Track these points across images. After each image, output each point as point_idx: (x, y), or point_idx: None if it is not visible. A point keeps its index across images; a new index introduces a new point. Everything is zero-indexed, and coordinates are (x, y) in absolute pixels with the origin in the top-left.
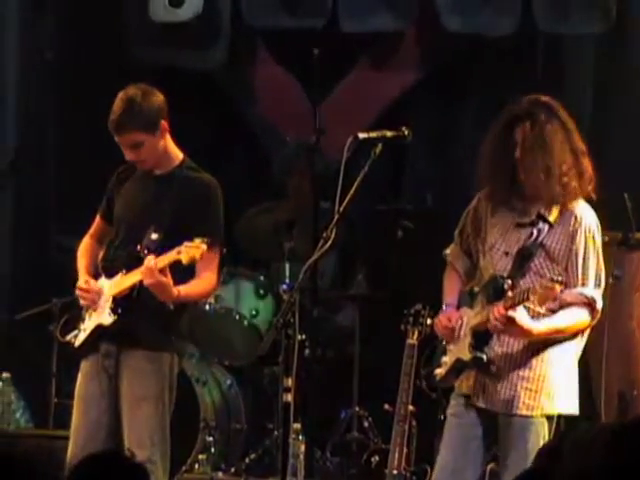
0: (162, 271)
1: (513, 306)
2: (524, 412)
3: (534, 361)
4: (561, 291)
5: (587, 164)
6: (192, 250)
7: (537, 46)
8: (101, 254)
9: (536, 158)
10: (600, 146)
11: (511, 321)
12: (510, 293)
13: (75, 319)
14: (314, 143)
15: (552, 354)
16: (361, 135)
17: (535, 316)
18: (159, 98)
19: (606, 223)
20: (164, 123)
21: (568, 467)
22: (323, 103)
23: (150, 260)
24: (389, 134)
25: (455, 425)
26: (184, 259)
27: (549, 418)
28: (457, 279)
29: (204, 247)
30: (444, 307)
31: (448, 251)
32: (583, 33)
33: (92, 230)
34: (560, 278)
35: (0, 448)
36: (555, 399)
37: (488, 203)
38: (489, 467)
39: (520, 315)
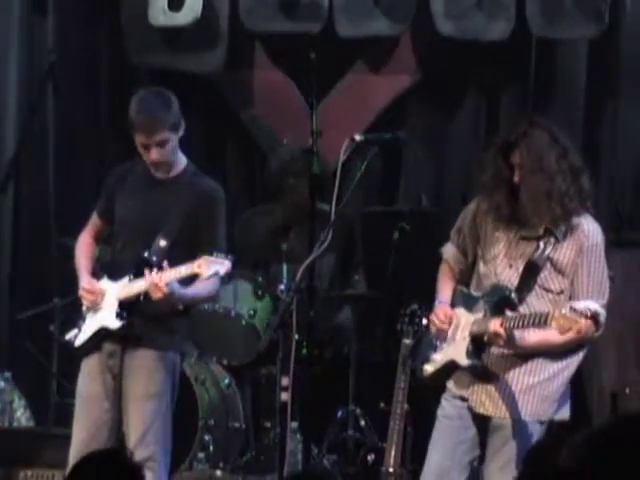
0: (168, 285)
1: (521, 327)
2: (520, 417)
3: (535, 369)
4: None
5: (585, 180)
6: (215, 266)
7: (530, 50)
8: (97, 252)
9: (536, 181)
10: (594, 151)
11: (508, 339)
12: (513, 313)
13: (75, 319)
14: (311, 145)
15: (555, 364)
16: (357, 137)
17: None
18: (175, 100)
19: (600, 223)
20: (183, 125)
21: (561, 468)
22: (320, 105)
23: (154, 277)
24: (385, 136)
25: (447, 427)
26: (204, 273)
27: (542, 423)
28: (452, 277)
29: (229, 264)
30: (437, 303)
31: (444, 249)
32: (576, 37)
33: (89, 228)
34: (588, 313)
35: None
36: (551, 406)
37: (489, 214)
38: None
39: (531, 337)
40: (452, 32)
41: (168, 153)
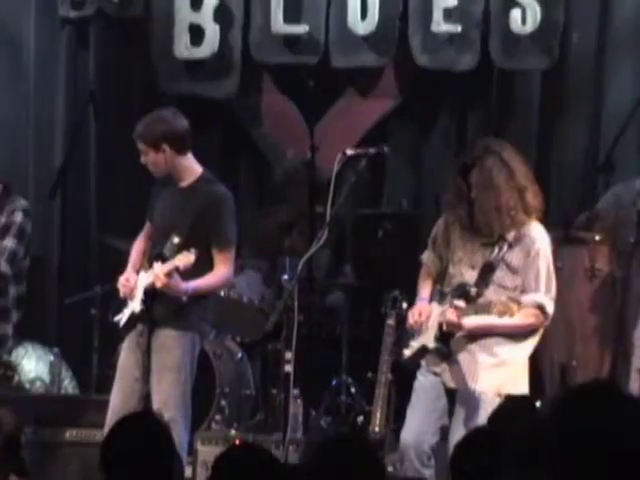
0: (169, 275)
1: (471, 314)
2: (482, 390)
3: (494, 349)
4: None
5: (531, 197)
6: (184, 259)
7: (493, 79)
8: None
9: (488, 198)
10: (546, 167)
11: (460, 326)
12: (463, 303)
13: (122, 304)
14: (309, 158)
15: (511, 345)
16: (348, 151)
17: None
18: (166, 124)
19: (551, 223)
20: (164, 148)
21: (520, 433)
22: (317, 125)
23: (156, 267)
24: (371, 150)
25: (423, 397)
26: (180, 266)
27: (500, 395)
28: (430, 278)
29: (192, 257)
30: (417, 301)
31: (423, 256)
32: (531, 68)
33: (143, 231)
34: (535, 303)
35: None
36: (509, 382)
37: (455, 225)
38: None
39: (469, 321)
40: (428, 63)
41: (151, 162)
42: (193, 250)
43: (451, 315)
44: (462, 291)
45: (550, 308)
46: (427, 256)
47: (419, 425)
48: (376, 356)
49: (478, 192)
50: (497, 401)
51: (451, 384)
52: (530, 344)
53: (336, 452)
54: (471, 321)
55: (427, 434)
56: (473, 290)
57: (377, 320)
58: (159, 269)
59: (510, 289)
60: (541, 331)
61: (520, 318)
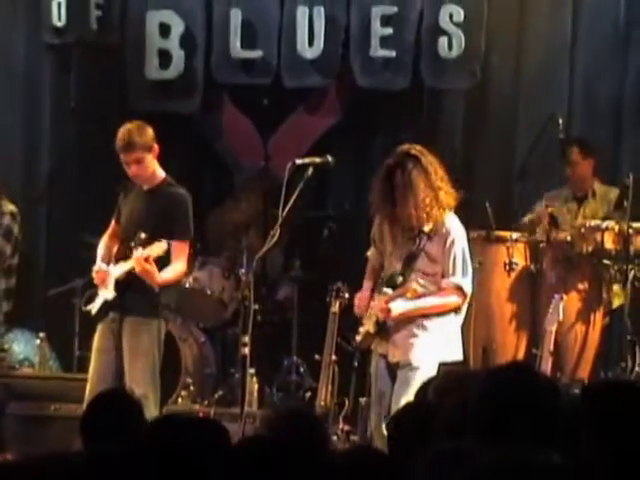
0: (147, 260)
1: (392, 299)
2: (416, 362)
3: (423, 325)
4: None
5: (445, 195)
6: (158, 248)
7: (423, 97)
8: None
9: (407, 197)
10: (470, 175)
11: (388, 310)
12: (390, 290)
13: (93, 294)
14: (264, 166)
15: (436, 321)
16: (298, 161)
17: (415, 297)
18: (150, 130)
19: (474, 224)
20: (156, 148)
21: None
22: (270, 138)
23: (138, 252)
24: (317, 160)
25: (379, 376)
26: (153, 255)
27: (434, 363)
28: (373, 272)
29: (165, 246)
30: (361, 290)
31: (369, 252)
32: (457, 87)
33: (109, 230)
34: (452, 285)
35: None
36: (441, 351)
37: (386, 222)
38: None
39: (394, 305)
40: (367, 84)
41: (143, 167)
42: (164, 240)
43: (380, 302)
44: (391, 280)
45: (467, 287)
46: (371, 252)
47: (379, 400)
48: (322, 340)
49: (399, 192)
50: (433, 367)
51: (394, 360)
52: (459, 317)
53: (288, 423)
54: (398, 305)
55: (384, 401)
56: (399, 279)
57: (323, 308)
58: (139, 254)
59: (431, 275)
60: (465, 308)
61: (443, 298)
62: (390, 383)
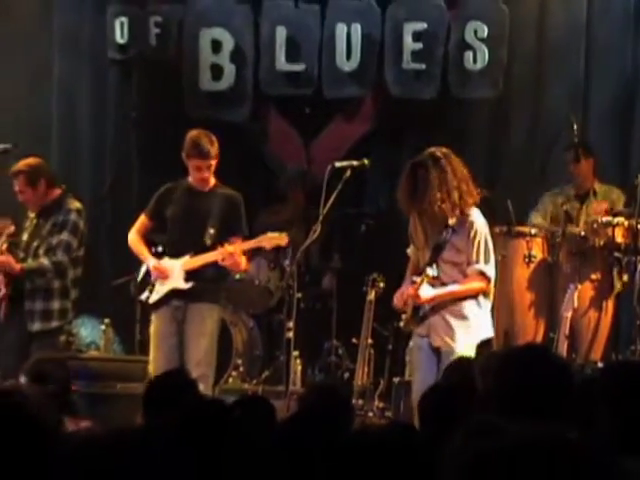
0: (236, 254)
1: (420, 286)
2: (458, 347)
3: (461, 313)
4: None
5: (467, 193)
6: (275, 240)
7: (450, 106)
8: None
9: (423, 194)
10: (493, 175)
11: (417, 296)
12: (418, 279)
13: (146, 285)
14: (306, 169)
15: (469, 308)
16: (337, 164)
17: (440, 285)
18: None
19: (497, 220)
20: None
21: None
22: (312, 143)
23: (229, 247)
24: (355, 163)
25: (420, 357)
26: (267, 245)
27: (471, 345)
28: (412, 267)
29: (286, 238)
30: (404, 284)
31: (409, 250)
32: (481, 97)
33: (138, 226)
34: (476, 271)
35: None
36: (475, 335)
37: (416, 218)
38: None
39: (422, 291)
40: (399, 94)
41: (212, 172)
42: (286, 233)
43: (409, 290)
44: (422, 270)
45: (490, 273)
46: (410, 249)
47: (423, 380)
48: (359, 325)
49: (419, 188)
50: (470, 350)
51: (435, 344)
52: (488, 300)
53: (320, 396)
54: (427, 291)
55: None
56: (427, 268)
57: (360, 297)
58: (231, 248)
59: (459, 264)
60: (492, 292)
61: (467, 284)
62: (434, 358)
